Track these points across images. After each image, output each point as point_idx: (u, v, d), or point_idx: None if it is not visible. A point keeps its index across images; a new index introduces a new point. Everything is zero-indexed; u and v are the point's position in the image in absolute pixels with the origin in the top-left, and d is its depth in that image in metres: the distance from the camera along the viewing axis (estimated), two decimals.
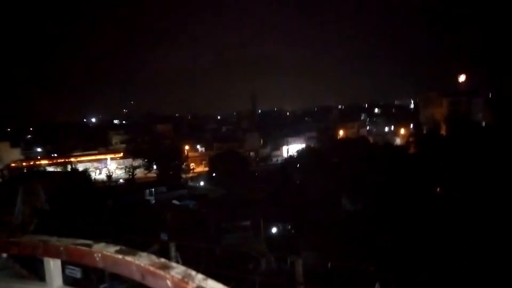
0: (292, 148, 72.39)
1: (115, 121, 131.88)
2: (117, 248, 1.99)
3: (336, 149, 55.99)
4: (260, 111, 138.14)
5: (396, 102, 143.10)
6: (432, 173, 41.16)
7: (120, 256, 1.85)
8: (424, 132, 73.72)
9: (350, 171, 42.51)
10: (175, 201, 38.31)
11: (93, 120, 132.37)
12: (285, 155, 71.59)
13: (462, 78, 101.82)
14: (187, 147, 77.71)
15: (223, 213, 33.79)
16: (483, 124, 78.98)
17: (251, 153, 73.19)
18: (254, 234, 30.30)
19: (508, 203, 32.35)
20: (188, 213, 34.23)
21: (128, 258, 1.82)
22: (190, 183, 55.82)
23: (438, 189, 39.74)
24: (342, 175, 42.02)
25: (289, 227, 32.95)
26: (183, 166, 65.15)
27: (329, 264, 23.92)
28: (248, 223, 31.63)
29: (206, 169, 65.01)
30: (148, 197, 40.81)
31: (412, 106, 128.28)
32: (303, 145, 70.06)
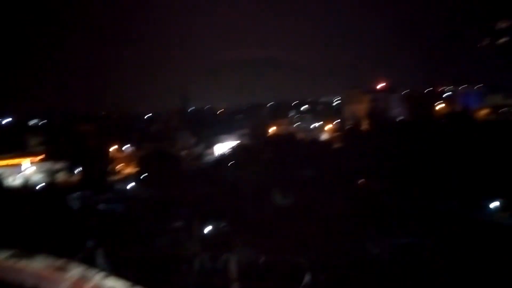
0: (224, 146, 72.49)
1: (32, 122, 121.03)
2: (10, 252, 1.83)
3: (267, 146, 57.28)
4: (191, 109, 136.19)
5: (322, 99, 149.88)
6: (355, 166, 43.83)
7: (10, 262, 1.70)
8: (348, 127, 78.25)
9: (280, 167, 43.79)
10: (101, 205, 36.38)
11: (3, 121, 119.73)
12: (218, 153, 71.47)
13: (381, 78, 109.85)
14: (114, 148, 74.15)
15: (153, 215, 32.82)
16: (400, 118, 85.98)
17: (183, 152, 71.94)
18: (188, 235, 29.86)
19: (422, 191, 35.63)
20: (115, 217, 32.70)
21: (20, 264, 1.68)
22: (118, 186, 53.45)
23: (360, 181, 42.41)
24: (273, 170, 43.11)
25: (224, 225, 32.99)
26: (110, 168, 62.11)
27: (261, 259, 24.41)
28: (180, 224, 31.10)
29: (135, 170, 62.52)
30: (71, 202, 38.24)
31: (336, 103, 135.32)
32: (236, 143, 70.56)
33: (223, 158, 58.15)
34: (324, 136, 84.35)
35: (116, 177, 61.16)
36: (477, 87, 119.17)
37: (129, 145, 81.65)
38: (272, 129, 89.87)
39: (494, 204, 34.06)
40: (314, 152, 51.36)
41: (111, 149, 72.86)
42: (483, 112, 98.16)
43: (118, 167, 67.78)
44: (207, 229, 31.96)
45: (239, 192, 38.96)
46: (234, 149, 60.28)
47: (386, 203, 34.48)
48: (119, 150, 77.78)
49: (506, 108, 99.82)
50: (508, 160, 37.17)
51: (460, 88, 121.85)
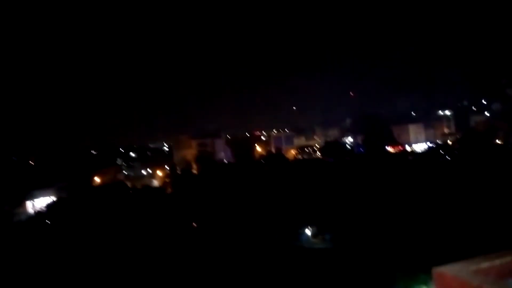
0: (39, 202, 62.98)
1: None
2: None
3: (92, 198, 52.67)
4: None
5: (151, 145, 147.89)
6: (187, 210, 44.58)
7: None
8: (178, 172, 79.31)
9: (109, 219, 40.79)
10: None
11: None
12: (31, 211, 61.42)
13: (206, 124, 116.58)
14: None
15: None
16: (225, 161, 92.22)
17: None
18: None
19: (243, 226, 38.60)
20: None
21: None
22: None
23: (194, 224, 43.22)
24: (100, 224, 39.78)
25: None
26: None
27: None
28: None
29: None
30: None
31: (166, 148, 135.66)
32: (54, 198, 62.26)
33: (39, 216, 50.45)
34: (156, 183, 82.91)
35: None
36: (286, 132, 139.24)
37: None
38: (97, 179, 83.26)
39: (308, 232, 39.68)
40: (146, 200, 49.91)
41: None
42: (292, 151, 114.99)
43: None
44: None
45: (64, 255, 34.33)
46: (53, 205, 53.12)
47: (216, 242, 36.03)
48: None
49: (309, 148, 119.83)
50: (313, 192, 44.29)
51: (272, 132, 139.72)
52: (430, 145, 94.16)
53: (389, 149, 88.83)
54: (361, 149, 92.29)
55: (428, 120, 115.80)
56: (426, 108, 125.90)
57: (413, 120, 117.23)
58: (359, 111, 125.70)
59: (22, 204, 65.86)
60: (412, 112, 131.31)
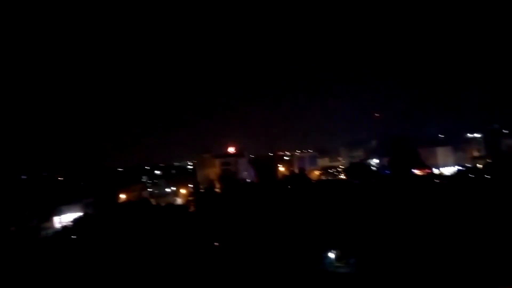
0: (66, 218, 64.43)
1: None
2: None
3: (117, 214, 53.41)
4: (24, 177, 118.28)
5: (175, 164, 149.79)
6: (209, 229, 44.44)
7: None
8: (202, 190, 79.71)
9: (133, 237, 41.15)
10: None
11: None
12: (58, 226, 62.86)
13: (230, 144, 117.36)
14: None
15: None
16: (248, 180, 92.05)
17: (12, 228, 60.82)
18: None
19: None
20: None
21: None
22: None
23: (216, 243, 42.92)
24: (124, 240, 40.18)
25: None
26: None
27: None
28: None
29: None
30: None
31: (190, 167, 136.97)
32: (80, 213, 63.56)
33: (65, 231, 51.50)
34: (179, 201, 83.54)
35: None
36: (310, 152, 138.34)
37: None
38: (123, 196, 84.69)
39: (331, 255, 38.66)
40: (170, 217, 50.18)
41: None
42: (316, 172, 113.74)
43: None
44: None
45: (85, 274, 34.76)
46: (79, 220, 54.18)
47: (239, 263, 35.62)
48: None
49: (333, 169, 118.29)
50: (338, 214, 43.38)
51: (296, 152, 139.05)
52: (459, 168, 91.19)
53: (416, 171, 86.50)
54: (387, 171, 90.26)
55: (457, 143, 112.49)
56: (455, 131, 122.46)
57: (441, 143, 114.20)
58: (385, 133, 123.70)
59: (49, 219, 67.54)
60: (440, 135, 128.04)
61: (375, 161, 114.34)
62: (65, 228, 54.15)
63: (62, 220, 65.33)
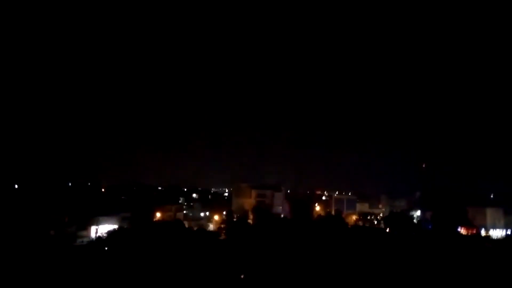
0: (102, 228, 66.31)
1: None
2: None
3: (151, 232, 54.22)
4: (70, 183, 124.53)
5: (213, 189, 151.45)
6: (237, 259, 43.83)
7: None
8: (235, 219, 79.35)
9: (162, 256, 41.46)
10: None
11: None
12: (93, 235, 64.76)
13: (268, 176, 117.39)
14: None
15: None
16: (282, 215, 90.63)
17: (51, 232, 63.41)
18: None
19: None
20: None
21: None
22: None
23: (242, 276, 42.16)
24: (153, 259, 40.53)
25: None
26: None
27: None
28: None
29: None
30: None
31: (226, 194, 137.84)
32: (116, 226, 65.24)
33: (99, 242, 52.88)
34: (211, 227, 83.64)
35: None
36: (349, 195, 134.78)
37: None
38: (158, 215, 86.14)
39: None
40: (200, 242, 50.21)
41: None
42: (353, 217, 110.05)
43: None
44: None
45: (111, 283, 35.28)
46: (113, 233, 55.52)
47: None
48: None
49: (372, 216, 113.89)
50: (372, 263, 41.34)
51: (335, 194, 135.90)
52: (510, 232, 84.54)
53: (461, 230, 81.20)
54: (429, 225, 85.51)
55: (510, 205, 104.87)
56: (509, 192, 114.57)
57: (493, 203, 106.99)
58: (431, 185, 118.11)
59: (87, 228, 69.70)
60: (492, 194, 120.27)
61: (417, 214, 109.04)
62: (99, 238, 55.62)
63: (99, 230, 67.19)
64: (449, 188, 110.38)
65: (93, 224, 71.91)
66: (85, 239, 63.22)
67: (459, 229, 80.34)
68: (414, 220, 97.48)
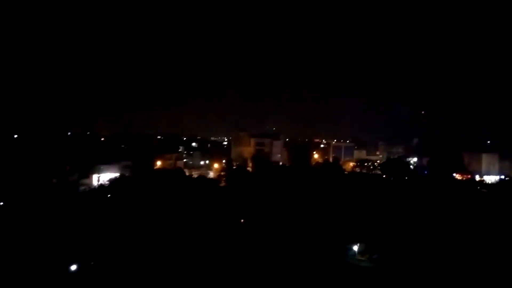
0: (104, 177, 67.52)
1: None
2: None
3: (152, 180, 55.27)
4: (69, 133, 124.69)
5: (212, 138, 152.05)
6: (237, 205, 45.08)
7: None
8: (234, 167, 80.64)
9: (163, 203, 42.55)
10: None
11: None
12: (95, 183, 66.06)
13: (266, 124, 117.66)
14: None
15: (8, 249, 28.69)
16: (280, 163, 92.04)
17: (53, 180, 64.53)
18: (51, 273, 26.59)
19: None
20: None
21: None
22: None
23: (241, 220, 43.60)
24: (155, 206, 41.66)
25: (92, 263, 30.26)
26: None
27: None
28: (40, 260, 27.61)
29: None
30: None
31: (225, 143, 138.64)
32: (117, 174, 66.36)
33: (101, 189, 54.06)
34: (211, 175, 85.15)
35: None
36: (347, 142, 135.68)
37: None
38: (158, 163, 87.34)
39: (355, 248, 38.19)
40: (200, 189, 51.35)
41: None
42: (351, 164, 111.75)
43: None
44: (73, 267, 28.92)
45: (115, 229, 36.47)
46: (115, 181, 56.63)
47: (262, 244, 35.99)
48: None
49: (369, 163, 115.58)
50: (368, 208, 42.60)
51: (333, 142, 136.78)
52: (503, 178, 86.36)
53: (456, 176, 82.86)
54: (425, 171, 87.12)
55: (506, 151, 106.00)
56: (505, 138, 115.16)
57: (488, 149, 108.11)
58: (428, 132, 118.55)
59: (88, 176, 70.84)
60: (489, 140, 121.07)
61: (414, 160, 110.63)
62: (101, 186, 56.79)
63: (101, 178, 68.43)
64: (446, 134, 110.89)
65: (95, 172, 73.08)
66: (87, 187, 64.51)
67: (454, 175, 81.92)
68: (411, 166, 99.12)
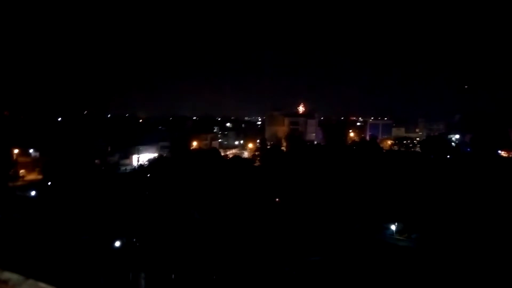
0: (143, 157, 69.79)
1: None
2: None
3: (188, 160, 56.42)
4: (109, 115, 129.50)
5: (246, 118, 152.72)
6: (272, 184, 45.27)
7: None
8: (268, 146, 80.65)
9: (200, 182, 43.48)
10: None
11: None
12: (135, 164, 68.46)
13: (301, 103, 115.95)
14: (16, 151, 66.80)
15: (56, 226, 30.45)
16: (315, 142, 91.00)
17: (96, 161, 67.50)
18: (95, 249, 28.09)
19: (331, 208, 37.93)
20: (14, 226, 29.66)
21: None
22: (19, 193, 48.42)
23: (276, 199, 43.87)
24: (193, 185, 42.65)
25: (134, 240, 31.62)
26: (10, 173, 56.10)
27: (172, 275, 23.88)
28: (87, 237, 29.17)
29: (40, 176, 57.03)
30: None
31: (259, 123, 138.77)
32: (155, 155, 68.33)
33: (141, 169, 55.93)
34: (246, 154, 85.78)
35: (17, 183, 55.35)
36: (385, 120, 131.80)
37: (33, 149, 73.61)
38: (194, 144, 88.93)
39: (393, 227, 37.57)
40: (235, 169, 51.86)
41: (12, 153, 65.40)
42: (388, 142, 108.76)
43: (20, 172, 61.39)
44: (117, 243, 30.38)
45: (154, 207, 37.83)
46: (154, 161, 58.34)
47: (299, 223, 36.12)
48: (22, 153, 70.09)
49: (408, 140, 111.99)
50: (406, 187, 41.46)
51: (370, 119, 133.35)
52: None
53: (502, 153, 78.66)
54: (468, 149, 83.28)
55: None
56: None
57: None
58: (472, 107, 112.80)
59: (129, 157, 73.53)
60: None
61: (456, 137, 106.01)
62: (141, 166, 58.75)
63: (140, 159, 70.82)
64: (491, 110, 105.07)
65: (134, 153, 75.78)
66: (128, 167, 67.02)
67: (499, 152, 77.84)
68: (453, 144, 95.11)
